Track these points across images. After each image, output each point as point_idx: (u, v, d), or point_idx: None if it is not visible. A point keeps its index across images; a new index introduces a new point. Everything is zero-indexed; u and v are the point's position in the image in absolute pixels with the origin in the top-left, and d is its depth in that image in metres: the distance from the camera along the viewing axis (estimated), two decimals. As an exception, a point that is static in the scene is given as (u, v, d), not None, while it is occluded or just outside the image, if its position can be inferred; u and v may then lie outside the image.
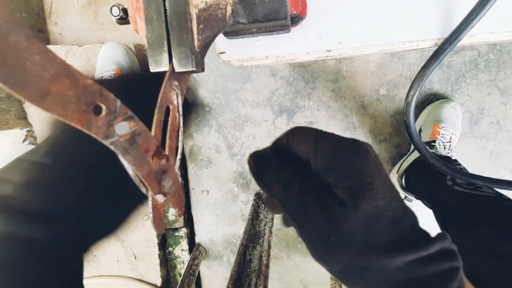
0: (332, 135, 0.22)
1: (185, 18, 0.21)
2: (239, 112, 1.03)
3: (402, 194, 0.93)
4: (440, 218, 0.70)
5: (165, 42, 0.21)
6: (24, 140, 1.22)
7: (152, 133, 0.17)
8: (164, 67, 0.21)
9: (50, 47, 1.11)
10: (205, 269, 1.20)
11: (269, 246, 0.79)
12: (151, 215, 0.17)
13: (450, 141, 0.84)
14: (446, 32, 0.33)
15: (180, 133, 0.20)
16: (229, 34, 0.27)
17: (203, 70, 0.23)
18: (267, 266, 0.73)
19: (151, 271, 1.15)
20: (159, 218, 0.18)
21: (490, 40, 0.34)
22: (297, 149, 0.23)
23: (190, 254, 1.11)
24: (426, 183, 0.79)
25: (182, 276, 0.96)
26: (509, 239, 0.50)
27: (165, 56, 0.21)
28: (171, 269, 1.21)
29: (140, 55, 1.03)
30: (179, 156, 0.20)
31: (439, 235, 0.21)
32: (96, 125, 0.12)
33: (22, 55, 0.09)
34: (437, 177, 0.74)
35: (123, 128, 0.13)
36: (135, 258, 1.16)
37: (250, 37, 0.27)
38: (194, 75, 0.96)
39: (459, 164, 0.80)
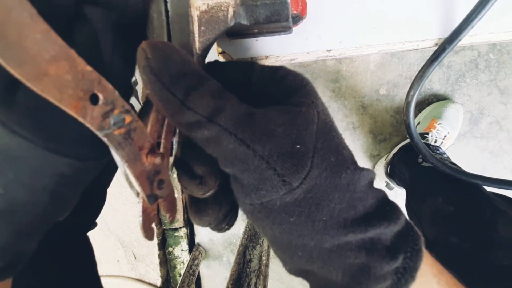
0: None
1: (186, 20, 0.21)
2: (239, 112, 1.03)
3: (384, 181, 0.95)
4: (407, 193, 0.74)
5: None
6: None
7: (148, 130, 0.16)
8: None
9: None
10: (205, 269, 1.20)
11: (269, 246, 0.79)
12: (140, 218, 0.16)
13: (443, 139, 0.84)
14: (446, 32, 0.33)
15: (176, 134, 0.18)
16: (231, 35, 0.27)
17: None
18: (267, 266, 0.73)
19: (151, 271, 1.15)
20: (149, 223, 0.17)
21: (490, 40, 0.34)
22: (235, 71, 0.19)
23: (190, 254, 1.11)
24: (402, 164, 0.82)
25: (182, 276, 0.96)
26: (452, 201, 0.55)
27: (166, 56, 0.21)
28: (171, 269, 1.21)
29: (140, 55, 1.03)
30: (173, 158, 0.18)
31: None
32: (92, 114, 0.11)
33: (23, 31, 0.09)
34: (412, 157, 0.77)
35: (119, 121, 0.13)
36: (135, 258, 1.16)
37: (251, 37, 0.28)
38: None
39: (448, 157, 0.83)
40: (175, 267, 1.20)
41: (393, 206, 0.19)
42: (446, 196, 0.57)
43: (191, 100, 0.15)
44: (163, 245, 1.15)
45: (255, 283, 0.66)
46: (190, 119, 0.15)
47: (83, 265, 0.45)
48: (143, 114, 0.17)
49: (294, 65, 0.96)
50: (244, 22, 0.23)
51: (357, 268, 0.17)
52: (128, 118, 0.13)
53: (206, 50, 0.22)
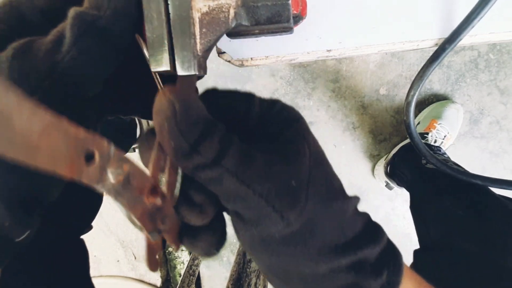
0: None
1: (188, 22, 0.21)
2: (239, 112, 1.03)
3: (384, 181, 0.95)
4: (410, 195, 0.73)
5: (166, 42, 0.21)
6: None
7: (149, 172, 0.16)
8: (164, 66, 0.21)
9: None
10: (205, 269, 1.20)
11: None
12: (145, 252, 0.16)
13: (443, 139, 0.84)
14: (446, 32, 0.33)
15: (179, 169, 0.18)
16: (231, 34, 0.27)
17: (205, 73, 0.23)
18: (267, 266, 0.73)
19: (151, 272, 1.16)
20: (153, 255, 0.17)
21: (490, 40, 0.34)
22: (231, 107, 0.20)
23: (190, 254, 1.11)
24: (404, 164, 0.82)
25: (182, 276, 0.96)
26: (460, 204, 0.55)
27: (166, 55, 0.21)
28: (171, 269, 1.21)
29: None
30: (177, 192, 0.18)
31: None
32: (88, 173, 0.11)
33: (10, 114, 0.09)
34: (414, 158, 0.77)
35: (116, 172, 0.13)
36: (135, 258, 1.16)
37: (252, 37, 0.28)
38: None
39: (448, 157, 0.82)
40: (175, 267, 1.20)
41: (377, 227, 0.21)
42: (453, 199, 0.56)
43: (202, 148, 0.16)
44: (163, 245, 1.15)
45: (255, 283, 0.66)
46: (196, 162, 0.16)
47: (74, 268, 0.45)
48: (143, 149, 0.17)
49: (294, 65, 0.96)
50: (245, 23, 0.23)
51: (349, 287, 0.19)
52: (125, 167, 0.13)
53: (207, 51, 0.22)
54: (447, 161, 0.81)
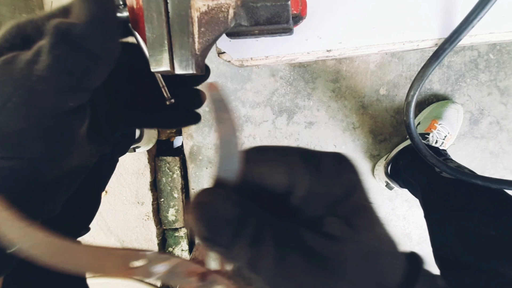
0: (301, 152, 0.18)
1: (186, 21, 0.21)
2: (239, 112, 1.03)
3: (384, 181, 0.94)
4: (425, 204, 0.70)
5: (166, 42, 0.21)
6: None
7: (201, 252, 0.18)
8: (165, 66, 0.21)
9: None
10: (205, 269, 1.20)
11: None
12: None
13: (444, 139, 0.84)
14: (446, 32, 0.33)
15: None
16: (231, 34, 0.27)
17: (203, 72, 0.23)
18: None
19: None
20: None
21: (490, 40, 0.34)
22: (268, 181, 0.18)
23: (190, 254, 1.11)
24: (413, 170, 0.79)
25: (182, 276, 0.96)
26: (491, 223, 0.51)
27: (166, 55, 0.21)
28: (171, 269, 1.21)
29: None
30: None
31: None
32: (137, 273, 0.16)
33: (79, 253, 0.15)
34: (426, 164, 0.74)
35: (160, 268, 0.16)
36: (135, 258, 1.16)
37: (252, 38, 0.28)
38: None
39: (450, 158, 0.81)
40: (175, 267, 1.20)
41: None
42: (482, 216, 0.52)
43: (234, 251, 0.16)
44: (163, 245, 1.15)
45: (255, 283, 0.66)
46: (236, 265, 0.17)
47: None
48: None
49: (294, 65, 0.96)
50: (245, 23, 0.23)
51: None
52: (168, 262, 0.16)
53: (205, 51, 0.22)
54: (447, 161, 0.81)
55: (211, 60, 1.00)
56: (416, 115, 0.95)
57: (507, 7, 0.32)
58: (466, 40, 0.33)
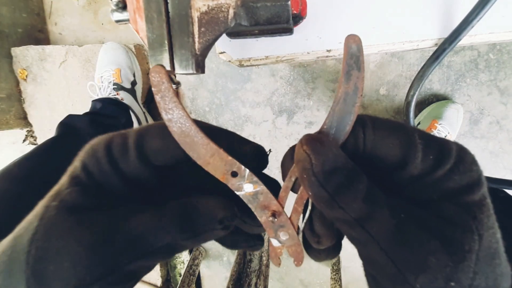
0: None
1: (186, 21, 0.21)
2: (239, 112, 1.03)
3: None
4: None
5: (166, 42, 0.21)
6: (24, 140, 1.22)
7: (281, 196, 0.19)
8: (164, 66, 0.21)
9: (50, 47, 1.10)
10: (205, 269, 1.20)
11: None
12: (270, 250, 0.21)
13: None
14: (446, 32, 0.33)
15: (309, 203, 0.20)
16: (231, 34, 0.27)
17: (203, 72, 0.23)
18: (267, 266, 0.73)
19: (151, 271, 1.15)
20: (274, 255, 0.21)
21: (490, 40, 0.34)
22: (384, 150, 0.17)
23: (190, 254, 1.11)
24: None
25: (182, 276, 0.96)
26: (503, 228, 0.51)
27: (166, 55, 0.21)
28: (171, 269, 1.21)
29: (140, 55, 1.03)
30: (300, 221, 0.20)
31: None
32: (232, 182, 0.18)
33: (198, 145, 0.18)
34: None
35: (248, 187, 0.19)
36: (135, 258, 1.16)
37: (252, 38, 0.28)
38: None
39: None
40: (175, 267, 1.20)
41: None
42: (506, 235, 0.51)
43: (342, 200, 0.15)
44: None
45: (256, 283, 0.66)
46: (339, 216, 0.16)
47: None
48: (286, 163, 0.20)
49: (294, 65, 0.96)
50: (245, 23, 0.23)
51: None
52: (255, 186, 0.19)
53: (205, 50, 0.22)
54: None
55: (211, 60, 1.00)
56: (416, 115, 0.95)
57: (507, 7, 0.32)
58: (466, 40, 0.33)
